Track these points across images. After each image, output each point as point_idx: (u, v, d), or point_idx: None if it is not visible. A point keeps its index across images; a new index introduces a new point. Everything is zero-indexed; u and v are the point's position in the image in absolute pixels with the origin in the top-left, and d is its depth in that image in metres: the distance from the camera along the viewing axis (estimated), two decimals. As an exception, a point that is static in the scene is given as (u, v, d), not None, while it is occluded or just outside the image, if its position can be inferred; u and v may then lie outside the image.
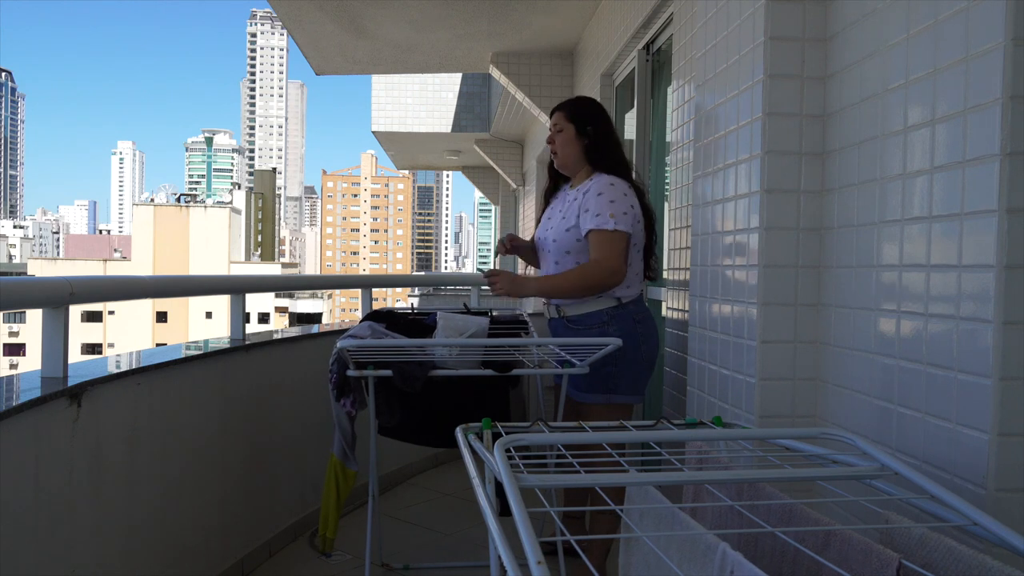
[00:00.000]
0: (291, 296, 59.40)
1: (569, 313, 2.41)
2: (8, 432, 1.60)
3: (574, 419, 2.37)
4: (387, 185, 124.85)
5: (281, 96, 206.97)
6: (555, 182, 2.64)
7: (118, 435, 2.00)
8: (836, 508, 1.66)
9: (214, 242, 59.19)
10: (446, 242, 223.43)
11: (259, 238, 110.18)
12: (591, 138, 2.43)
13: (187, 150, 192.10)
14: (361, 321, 2.71)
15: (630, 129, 4.08)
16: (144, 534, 2.12)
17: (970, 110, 1.30)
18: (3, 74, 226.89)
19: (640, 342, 2.35)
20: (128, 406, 2.05)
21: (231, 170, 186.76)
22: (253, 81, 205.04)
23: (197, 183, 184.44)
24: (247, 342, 2.79)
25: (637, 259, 2.42)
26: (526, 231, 9.03)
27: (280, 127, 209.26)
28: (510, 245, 2.62)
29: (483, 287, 6.91)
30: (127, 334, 50.68)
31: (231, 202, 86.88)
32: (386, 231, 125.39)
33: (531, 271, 2.71)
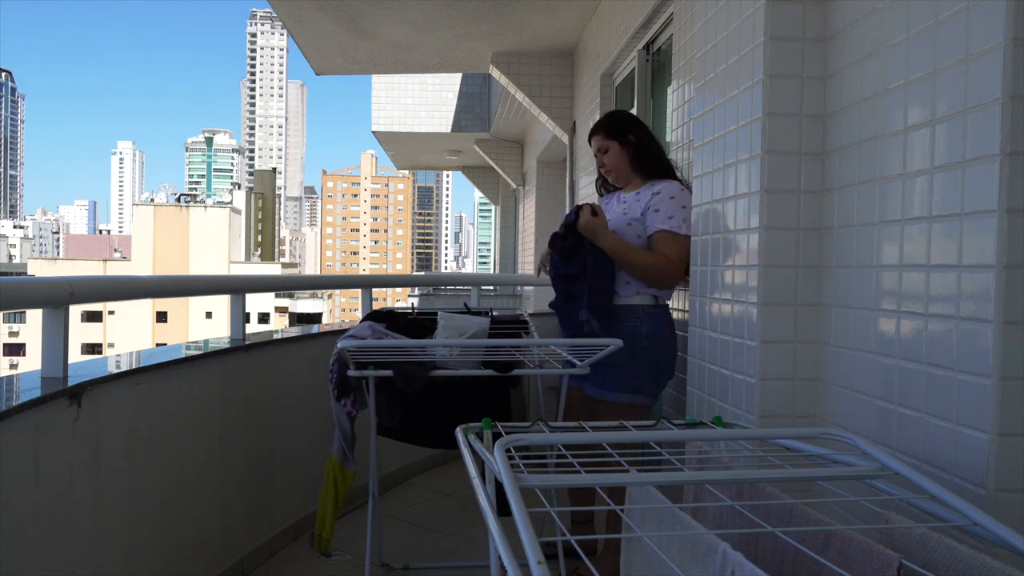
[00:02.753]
0: (291, 296, 59.39)
1: (613, 302, 2.42)
2: (8, 432, 1.60)
3: (587, 417, 2.38)
4: (387, 185, 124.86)
5: (281, 96, 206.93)
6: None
7: (118, 435, 2.00)
8: (836, 508, 1.66)
9: (214, 242, 59.18)
10: (446, 242, 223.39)
11: (259, 238, 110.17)
12: (635, 147, 2.51)
13: (187, 150, 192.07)
14: (361, 321, 2.71)
15: (630, 129, 4.08)
16: (144, 534, 2.12)
17: (970, 110, 1.30)
18: (3, 74, 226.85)
19: (667, 344, 2.43)
20: (128, 406, 2.05)
21: (231, 170, 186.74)
22: (253, 81, 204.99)
23: (197, 183, 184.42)
24: (247, 342, 2.79)
25: None
26: (526, 231, 9.03)
27: (280, 127, 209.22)
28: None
29: (483, 287, 6.89)
30: (127, 334, 50.67)
31: (231, 202, 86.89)
32: (386, 231, 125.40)
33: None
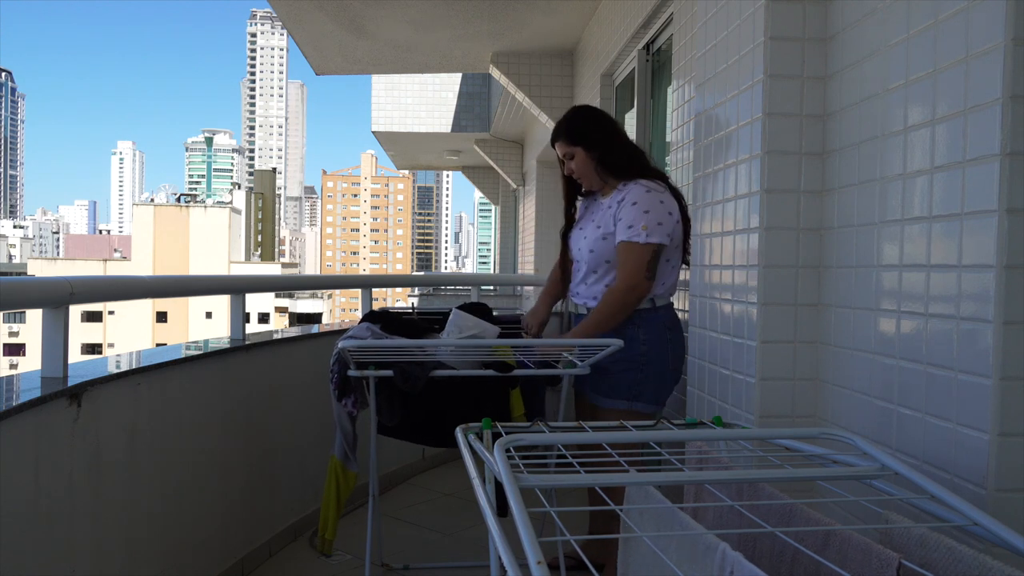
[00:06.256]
0: (291, 296, 59.40)
1: None
2: (8, 432, 1.60)
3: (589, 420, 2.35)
4: (387, 185, 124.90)
5: (281, 96, 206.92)
6: (571, 199, 2.55)
7: (118, 435, 2.00)
8: (836, 508, 1.66)
9: (214, 242, 59.20)
10: (446, 242, 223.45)
11: (259, 238, 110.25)
12: (601, 149, 2.38)
13: (187, 150, 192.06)
14: (360, 323, 2.71)
15: (630, 129, 4.08)
16: (144, 534, 2.12)
17: (970, 110, 1.30)
18: (3, 74, 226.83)
19: (669, 349, 2.33)
20: (128, 406, 2.05)
21: (231, 170, 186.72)
22: (253, 81, 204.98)
23: (197, 183, 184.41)
24: (247, 342, 2.79)
25: (677, 261, 2.36)
26: (526, 231, 9.02)
27: (280, 127, 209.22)
28: (537, 327, 2.62)
29: (483, 287, 6.88)
30: (127, 334, 50.67)
31: (231, 202, 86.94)
32: (386, 231, 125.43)
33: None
